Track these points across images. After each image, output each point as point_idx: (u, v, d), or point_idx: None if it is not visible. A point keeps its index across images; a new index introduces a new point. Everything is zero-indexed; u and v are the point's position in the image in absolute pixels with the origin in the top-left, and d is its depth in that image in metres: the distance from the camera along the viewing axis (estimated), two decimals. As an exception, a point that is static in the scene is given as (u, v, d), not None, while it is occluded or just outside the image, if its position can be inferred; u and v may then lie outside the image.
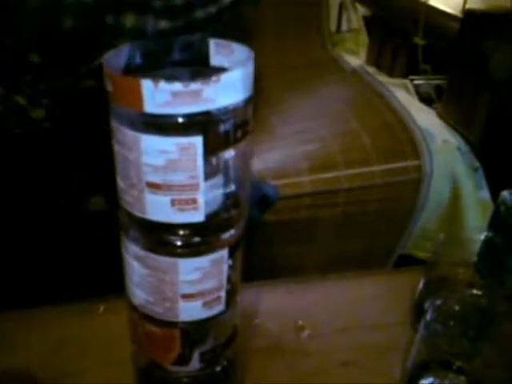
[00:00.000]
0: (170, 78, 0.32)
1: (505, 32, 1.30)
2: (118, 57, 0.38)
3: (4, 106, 0.71)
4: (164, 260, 0.39)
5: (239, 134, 0.37)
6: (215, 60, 0.41)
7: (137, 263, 0.40)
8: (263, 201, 0.98)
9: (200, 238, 0.39)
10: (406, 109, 1.43)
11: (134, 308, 0.43)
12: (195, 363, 0.44)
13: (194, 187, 0.36)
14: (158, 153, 0.35)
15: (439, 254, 0.57)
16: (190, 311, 0.41)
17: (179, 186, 0.36)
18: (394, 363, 0.53)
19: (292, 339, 0.59)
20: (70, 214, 0.87)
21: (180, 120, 0.34)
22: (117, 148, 0.37)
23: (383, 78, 1.68)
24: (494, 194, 1.27)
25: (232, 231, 0.40)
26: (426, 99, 1.60)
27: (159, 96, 0.33)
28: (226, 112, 0.35)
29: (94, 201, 0.90)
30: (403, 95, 1.54)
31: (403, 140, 1.33)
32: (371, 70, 1.75)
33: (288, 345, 0.58)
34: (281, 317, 0.62)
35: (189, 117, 0.34)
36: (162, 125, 0.34)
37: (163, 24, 0.64)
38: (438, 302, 0.50)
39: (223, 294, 0.42)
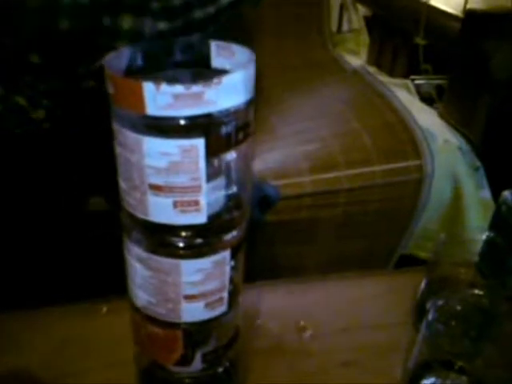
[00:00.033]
0: (172, 80, 0.33)
1: (506, 32, 1.30)
2: (119, 59, 0.38)
3: (4, 107, 0.71)
4: (166, 261, 0.39)
5: (241, 135, 0.37)
6: (216, 62, 0.41)
7: (139, 265, 0.40)
8: (264, 201, 0.98)
9: (202, 240, 0.39)
10: (407, 109, 1.42)
11: (136, 309, 0.43)
12: (197, 364, 0.44)
13: (196, 189, 0.36)
14: (160, 155, 0.35)
15: (440, 254, 0.57)
16: (193, 312, 0.41)
17: (181, 188, 0.36)
18: (396, 363, 0.54)
19: (293, 339, 0.59)
20: (70, 214, 0.87)
21: (182, 122, 0.34)
22: (119, 150, 0.37)
23: (384, 78, 1.68)
24: (495, 194, 1.27)
25: (234, 232, 0.40)
26: (426, 99, 1.60)
27: (161, 98, 0.33)
28: (228, 114, 0.35)
29: (94, 201, 0.90)
30: (404, 95, 1.54)
31: (404, 140, 1.33)
32: (372, 69, 1.75)
33: (289, 345, 0.58)
34: (282, 317, 0.62)
35: (190, 119, 0.34)
36: (164, 127, 0.34)
37: (161, 25, 0.64)
38: (440, 302, 0.50)
39: (225, 295, 0.42)
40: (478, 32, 1.33)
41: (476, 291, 0.54)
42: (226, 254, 0.40)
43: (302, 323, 0.61)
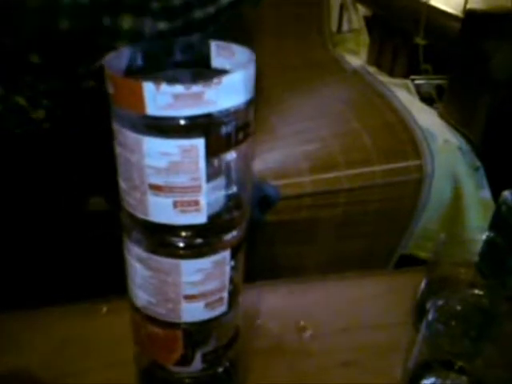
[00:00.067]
0: (172, 80, 0.33)
1: (506, 32, 1.29)
2: (119, 59, 0.38)
3: (4, 107, 0.71)
4: (166, 261, 0.39)
5: (241, 135, 0.37)
6: (216, 62, 0.41)
7: (139, 265, 0.40)
8: (264, 201, 0.98)
9: (202, 240, 0.39)
10: (407, 109, 1.42)
11: (136, 309, 0.43)
12: (197, 364, 0.44)
13: (196, 189, 0.36)
14: (160, 155, 0.35)
15: (440, 254, 0.57)
16: (193, 312, 0.41)
17: (181, 188, 0.36)
18: (396, 363, 0.54)
19: (293, 339, 0.59)
20: (71, 213, 0.87)
21: (182, 122, 0.34)
22: (119, 150, 0.37)
23: (384, 78, 1.67)
24: (495, 194, 1.27)
25: (234, 232, 0.41)
26: (427, 99, 1.60)
27: (161, 98, 0.33)
28: (228, 114, 0.35)
29: (94, 201, 0.90)
30: (404, 95, 1.54)
31: (404, 140, 1.33)
32: (372, 70, 1.75)
33: (289, 345, 0.58)
34: (282, 317, 0.62)
35: (190, 119, 0.34)
36: (164, 127, 0.34)
37: (161, 25, 0.64)
38: (440, 302, 0.50)
39: (225, 295, 0.42)
40: (478, 32, 1.33)
41: (476, 291, 0.54)
42: (226, 254, 0.40)
43: (301, 323, 0.61)
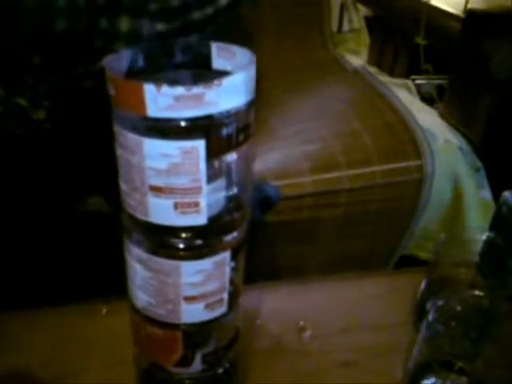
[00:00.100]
0: (172, 82, 0.33)
1: (506, 32, 1.29)
2: (120, 60, 0.38)
3: (5, 108, 0.71)
4: (167, 263, 0.39)
5: (241, 137, 0.37)
6: (217, 63, 0.41)
7: (140, 266, 0.40)
8: (265, 202, 0.98)
9: (202, 241, 0.39)
10: (408, 109, 1.42)
11: (136, 310, 0.43)
12: (197, 365, 0.44)
13: (196, 190, 0.36)
14: (161, 156, 0.35)
15: (441, 254, 0.57)
16: (193, 313, 0.41)
17: (182, 190, 0.36)
18: (396, 364, 0.54)
19: (293, 340, 0.59)
20: (71, 214, 0.87)
21: (182, 124, 0.34)
22: (119, 152, 0.37)
23: (385, 78, 1.67)
24: (496, 194, 1.27)
25: (234, 234, 0.41)
26: (427, 99, 1.60)
27: (162, 100, 0.33)
28: (229, 116, 0.35)
29: (94, 201, 0.90)
30: (405, 95, 1.54)
31: (405, 140, 1.33)
32: (373, 70, 1.75)
33: (289, 345, 0.58)
34: (282, 318, 0.62)
35: (191, 121, 0.34)
36: (165, 129, 0.34)
37: (159, 26, 0.64)
38: (440, 302, 0.50)
39: (225, 296, 0.42)
40: (479, 32, 1.33)
41: (476, 292, 0.54)
42: (227, 255, 0.40)
43: (302, 324, 0.61)
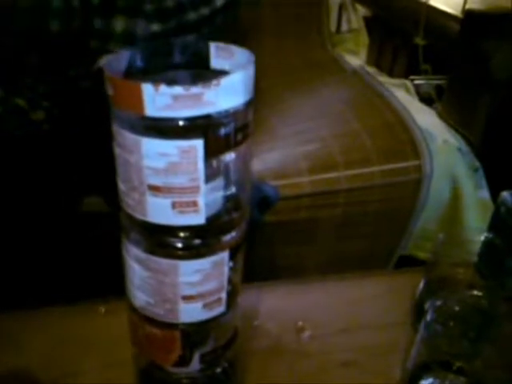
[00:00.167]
0: (171, 82, 0.33)
1: (505, 32, 1.29)
2: (118, 60, 0.38)
3: (4, 108, 0.71)
4: (165, 262, 0.39)
5: (240, 136, 0.37)
6: (216, 63, 0.41)
7: (138, 265, 0.40)
8: (263, 201, 0.98)
9: (201, 241, 0.39)
10: (407, 109, 1.42)
11: (134, 309, 0.43)
12: (195, 364, 0.44)
13: (194, 190, 0.36)
14: (159, 156, 0.35)
15: (439, 254, 0.57)
16: (191, 313, 0.41)
17: (180, 189, 0.36)
18: (395, 364, 0.54)
19: (292, 340, 0.59)
20: (70, 214, 0.87)
21: (181, 123, 0.34)
22: (118, 151, 0.37)
23: (383, 79, 1.67)
24: (494, 195, 1.27)
25: (233, 233, 0.41)
26: (426, 99, 1.60)
27: (160, 99, 0.33)
28: (227, 115, 0.35)
29: (92, 201, 0.90)
30: (403, 95, 1.54)
31: (403, 140, 1.33)
32: (371, 70, 1.75)
33: (288, 346, 0.59)
34: (281, 318, 0.62)
35: (189, 120, 0.34)
36: (163, 128, 0.34)
37: (155, 27, 0.64)
38: (439, 302, 0.50)
39: (224, 295, 0.42)
40: (478, 32, 1.33)
41: (475, 292, 0.55)
42: (225, 254, 0.40)
43: (300, 323, 0.61)
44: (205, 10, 0.67)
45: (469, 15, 1.36)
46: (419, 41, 1.57)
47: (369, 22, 1.92)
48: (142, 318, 0.43)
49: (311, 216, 1.25)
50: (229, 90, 0.34)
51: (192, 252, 0.39)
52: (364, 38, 1.90)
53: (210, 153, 0.35)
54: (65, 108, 0.74)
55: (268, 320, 0.61)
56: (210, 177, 0.36)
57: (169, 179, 0.36)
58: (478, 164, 1.34)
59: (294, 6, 1.72)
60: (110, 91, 0.35)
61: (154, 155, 0.35)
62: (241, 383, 0.53)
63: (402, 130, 1.36)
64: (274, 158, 1.25)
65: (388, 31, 1.83)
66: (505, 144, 1.30)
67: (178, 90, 0.32)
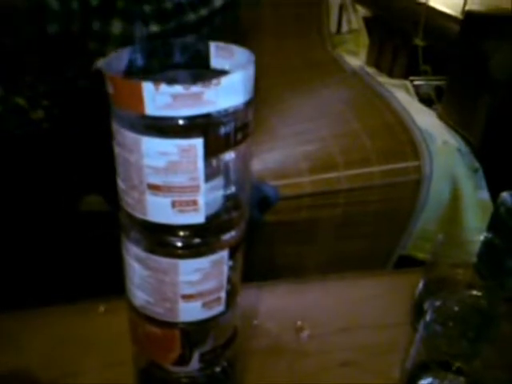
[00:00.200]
0: (171, 81, 0.33)
1: (505, 33, 1.30)
2: (118, 60, 0.38)
3: (4, 107, 0.71)
4: (164, 261, 0.39)
5: (239, 136, 0.37)
6: (216, 62, 0.41)
7: (138, 264, 0.40)
8: (263, 201, 0.98)
9: (200, 240, 0.39)
10: (406, 110, 1.43)
11: (134, 309, 0.43)
12: (195, 364, 0.44)
13: (194, 189, 0.36)
14: (159, 155, 0.35)
15: (439, 254, 0.57)
16: (190, 312, 0.41)
17: (180, 188, 0.36)
18: (394, 363, 0.54)
19: (292, 339, 0.59)
20: (70, 213, 0.87)
21: (181, 122, 0.34)
22: (117, 150, 0.37)
23: (383, 79, 1.68)
24: (494, 195, 1.27)
25: (232, 232, 0.41)
26: (425, 100, 1.60)
27: (160, 98, 0.33)
28: (227, 114, 0.35)
29: (92, 200, 0.90)
30: (403, 96, 1.54)
31: (403, 141, 1.33)
32: (371, 70, 1.75)
33: (288, 345, 0.59)
34: (281, 317, 0.62)
35: (189, 119, 0.34)
36: (163, 127, 0.34)
37: (154, 28, 0.64)
38: (438, 302, 0.50)
39: (223, 294, 0.42)
40: (477, 33, 1.33)
41: (474, 292, 0.55)
42: (224, 253, 0.40)
43: (300, 323, 0.61)
44: (204, 11, 0.67)
45: (469, 16, 1.36)
46: (419, 41, 1.57)
47: (369, 23, 1.92)
48: (141, 317, 0.43)
49: (311, 216, 1.25)
50: (229, 89, 0.34)
51: (192, 251, 0.39)
52: (364, 39, 1.91)
53: (210, 152, 0.35)
54: (64, 107, 0.74)
55: (267, 319, 0.61)
56: (209, 176, 0.36)
57: (169, 178, 0.36)
58: (477, 165, 1.34)
59: (294, 6, 1.73)
60: (111, 90, 0.35)
61: (154, 154, 0.35)
62: (240, 382, 0.53)
63: (401, 131, 1.36)
64: (274, 158, 1.25)
65: (388, 32, 1.83)
66: (505, 145, 1.30)
67: (178, 89, 0.32)
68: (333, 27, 1.87)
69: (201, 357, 0.44)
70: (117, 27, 0.62)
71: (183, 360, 0.44)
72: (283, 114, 1.44)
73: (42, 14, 0.59)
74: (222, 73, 0.34)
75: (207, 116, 0.34)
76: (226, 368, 0.48)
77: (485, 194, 1.34)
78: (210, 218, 0.38)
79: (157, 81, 0.32)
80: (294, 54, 1.72)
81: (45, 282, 0.81)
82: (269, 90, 1.47)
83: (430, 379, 0.48)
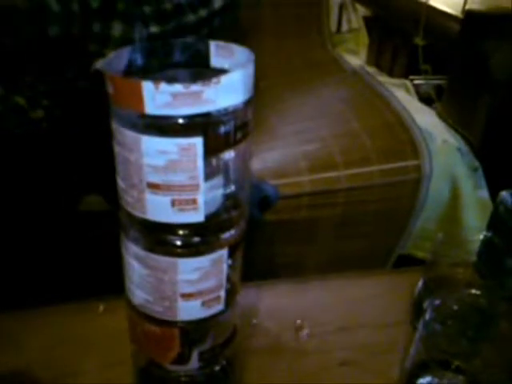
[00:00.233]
0: (171, 80, 0.33)
1: (505, 32, 1.30)
2: (118, 59, 0.39)
3: (4, 107, 0.71)
4: (164, 260, 0.39)
5: (239, 135, 0.37)
6: (215, 61, 0.41)
7: (137, 263, 0.40)
8: (263, 201, 0.98)
9: (200, 238, 0.39)
10: (406, 109, 1.43)
11: (133, 307, 0.43)
12: (194, 362, 0.44)
13: (193, 188, 0.36)
14: (159, 153, 0.35)
15: (438, 253, 0.57)
16: (190, 310, 0.41)
17: (179, 187, 0.36)
18: (393, 363, 0.54)
19: (291, 339, 0.59)
20: (69, 213, 0.87)
21: (180, 121, 0.34)
22: (117, 149, 0.37)
23: (383, 78, 1.68)
24: (494, 195, 1.27)
25: (232, 231, 0.41)
26: (425, 99, 1.60)
27: (160, 97, 0.33)
28: (226, 113, 0.35)
29: (90, 200, 0.90)
30: (403, 95, 1.54)
31: (403, 140, 1.33)
32: (371, 70, 1.75)
33: (287, 344, 0.59)
34: (280, 316, 0.62)
35: (189, 118, 0.34)
36: (163, 126, 0.34)
37: (153, 29, 0.64)
38: (437, 301, 0.50)
39: (223, 293, 0.42)
40: (478, 32, 1.33)
41: (473, 291, 0.55)
42: (224, 252, 0.40)
43: (299, 322, 0.61)
44: (203, 12, 0.67)
45: (469, 15, 1.36)
46: (419, 41, 1.57)
47: (369, 22, 1.92)
48: (140, 316, 0.43)
49: (311, 215, 1.25)
50: (228, 88, 0.34)
51: (191, 250, 0.39)
52: (364, 38, 1.91)
53: (210, 151, 0.36)
54: (64, 107, 0.74)
55: (267, 318, 0.61)
56: (209, 175, 0.37)
57: (168, 177, 0.36)
58: (477, 164, 1.34)
59: (294, 6, 1.72)
60: (110, 89, 0.35)
61: (154, 153, 0.35)
62: (239, 381, 0.53)
63: (401, 130, 1.36)
64: (273, 157, 1.25)
65: (388, 31, 1.83)
66: (504, 144, 1.30)
67: (177, 87, 0.32)
68: (333, 26, 1.87)
69: (200, 356, 0.44)
70: (117, 29, 0.63)
71: (182, 359, 0.44)
72: (283, 113, 1.44)
73: (42, 15, 0.59)
74: (222, 72, 0.34)
75: (207, 115, 0.34)
76: (226, 367, 0.48)
77: (484, 193, 1.34)
78: (210, 217, 0.38)
79: (157, 80, 0.32)
80: (294, 53, 1.72)
81: (45, 281, 0.81)
82: (269, 89, 1.47)
83: (429, 378, 0.48)
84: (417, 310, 0.58)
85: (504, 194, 0.58)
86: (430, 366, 0.48)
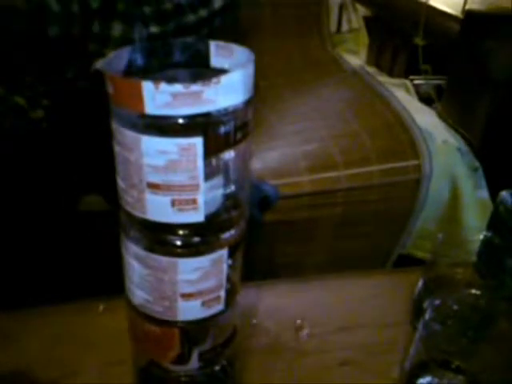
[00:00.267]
0: (171, 80, 0.33)
1: (505, 32, 1.30)
2: (118, 59, 0.39)
3: (4, 107, 0.71)
4: (164, 260, 0.39)
5: (239, 135, 0.37)
6: (215, 61, 0.41)
7: (137, 263, 0.40)
8: (263, 201, 0.99)
9: (200, 238, 0.39)
10: (406, 109, 1.43)
11: (133, 307, 0.43)
12: (194, 362, 0.44)
13: (193, 188, 0.36)
14: (159, 153, 0.35)
15: (438, 253, 0.57)
16: (190, 310, 0.42)
17: (179, 187, 0.36)
18: (393, 362, 0.54)
19: (291, 338, 0.59)
20: (69, 212, 0.87)
21: (180, 121, 0.34)
22: (117, 149, 0.37)
23: (383, 78, 1.68)
24: (494, 195, 1.27)
25: (232, 231, 0.41)
26: (425, 99, 1.60)
27: (160, 97, 0.33)
28: (226, 113, 0.35)
29: (90, 200, 0.90)
30: (403, 95, 1.54)
31: (403, 140, 1.33)
32: (371, 70, 1.75)
33: (287, 344, 0.59)
34: (280, 316, 0.62)
35: (189, 118, 0.34)
36: (163, 126, 0.34)
37: (153, 29, 0.65)
38: (437, 301, 0.50)
39: (223, 293, 0.42)
40: (478, 32, 1.33)
41: (473, 291, 0.55)
42: (224, 252, 0.40)
43: (299, 322, 0.61)
44: (203, 12, 0.67)
45: (469, 15, 1.36)
46: (419, 41, 1.57)
47: (369, 22, 1.92)
48: (141, 316, 0.43)
49: (311, 215, 1.25)
50: (228, 88, 0.34)
51: (191, 250, 0.39)
52: (364, 38, 1.91)
53: (210, 151, 0.36)
54: (64, 107, 0.74)
55: (267, 318, 0.61)
56: (209, 175, 0.37)
57: (168, 177, 0.36)
58: (477, 164, 1.34)
59: (294, 7, 1.73)
60: (110, 89, 0.35)
61: (154, 153, 0.35)
62: (239, 381, 0.53)
63: (401, 130, 1.36)
64: (273, 157, 1.25)
65: (388, 31, 1.83)
66: (504, 144, 1.30)
67: (177, 87, 0.32)
68: (333, 26, 1.87)
69: (200, 356, 0.44)
70: (117, 29, 0.63)
71: (182, 359, 0.44)
72: (283, 113, 1.44)
73: (42, 15, 0.59)
74: (222, 72, 0.34)
75: (207, 115, 0.34)
76: (226, 367, 0.48)
77: (484, 193, 1.34)
78: (210, 217, 0.38)
79: (157, 80, 0.32)
80: (294, 54, 1.72)
81: (45, 281, 0.81)
82: (269, 89, 1.47)
83: (429, 378, 0.48)
84: (417, 310, 0.58)
85: (504, 194, 0.58)
86: (430, 365, 0.48)
